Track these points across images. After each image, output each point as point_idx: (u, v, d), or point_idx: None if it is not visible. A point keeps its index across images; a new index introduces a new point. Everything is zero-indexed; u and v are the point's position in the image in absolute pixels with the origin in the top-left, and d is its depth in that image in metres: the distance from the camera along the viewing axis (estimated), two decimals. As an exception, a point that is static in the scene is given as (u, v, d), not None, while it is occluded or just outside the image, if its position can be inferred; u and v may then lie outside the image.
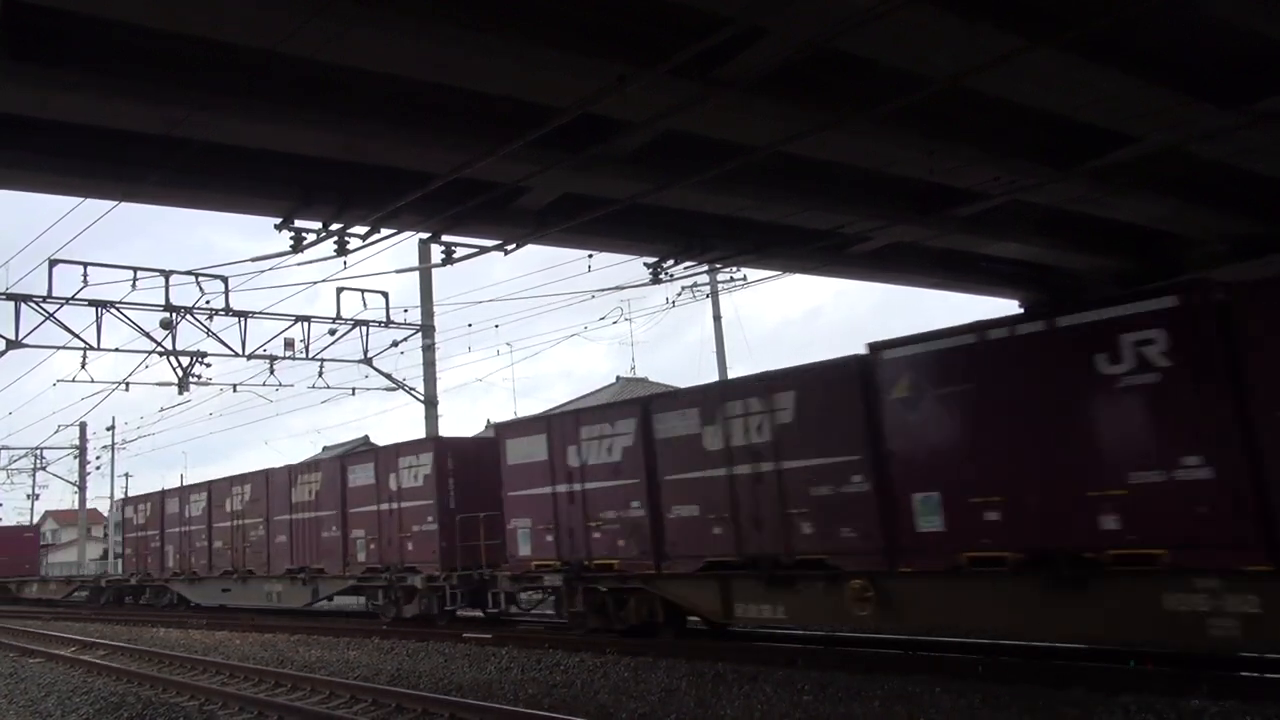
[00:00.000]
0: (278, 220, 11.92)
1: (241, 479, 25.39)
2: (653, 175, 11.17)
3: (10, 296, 19.58)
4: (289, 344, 23.64)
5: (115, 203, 12.32)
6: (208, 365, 22.90)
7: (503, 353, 65.99)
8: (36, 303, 19.58)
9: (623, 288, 17.24)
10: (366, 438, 67.35)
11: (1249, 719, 7.89)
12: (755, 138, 10.29)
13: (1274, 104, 10.17)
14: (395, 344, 25.22)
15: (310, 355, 23.98)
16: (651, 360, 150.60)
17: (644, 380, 58.66)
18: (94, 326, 20.37)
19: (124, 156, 10.29)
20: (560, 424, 15.57)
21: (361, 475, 20.65)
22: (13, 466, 51.59)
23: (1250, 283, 9.36)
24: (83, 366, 22.31)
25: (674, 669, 11.88)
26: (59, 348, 21.13)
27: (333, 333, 23.80)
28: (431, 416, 26.92)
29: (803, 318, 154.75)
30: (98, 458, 51.77)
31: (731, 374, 26.85)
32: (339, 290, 23.26)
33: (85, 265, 19.42)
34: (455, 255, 13.11)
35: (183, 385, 23.09)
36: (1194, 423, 8.97)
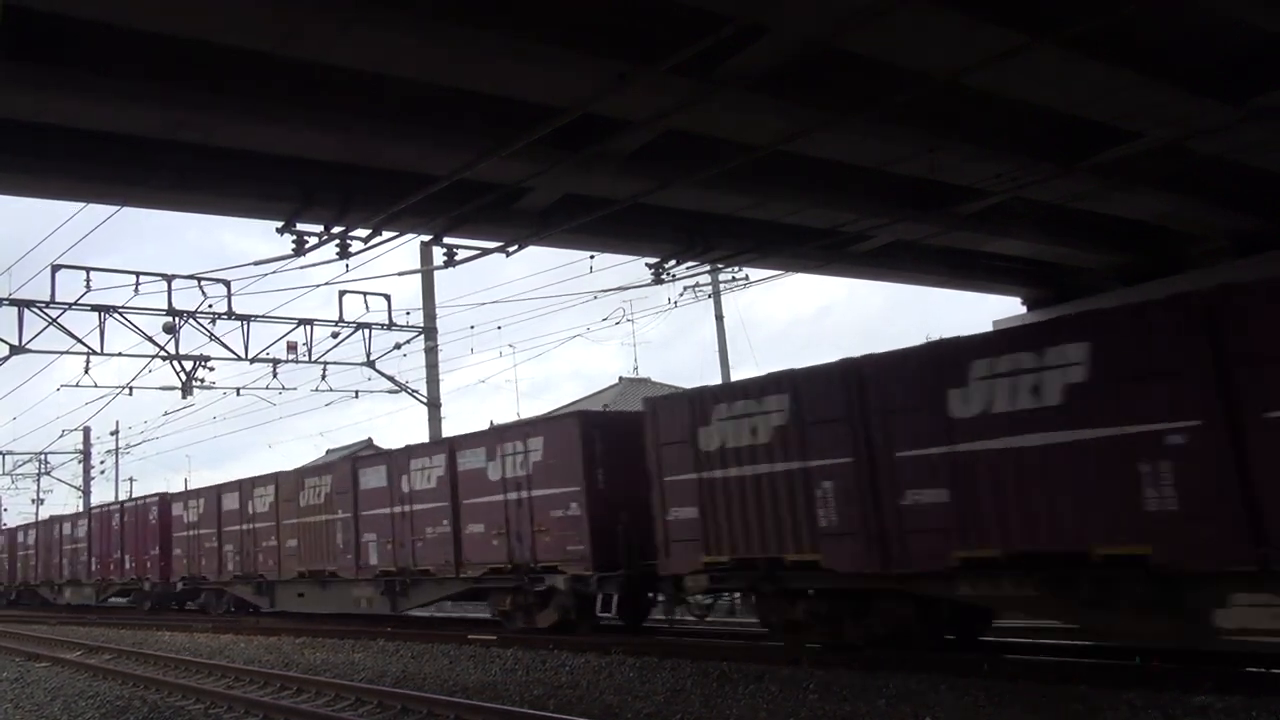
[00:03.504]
0: (280, 223, 11.92)
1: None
2: (654, 174, 11.15)
3: (14, 302, 19.60)
4: (292, 347, 23.64)
5: (117, 207, 12.34)
6: (211, 369, 22.93)
7: (506, 354, 65.91)
8: (40, 308, 19.60)
9: (625, 288, 17.29)
10: (370, 440, 67.23)
11: (1255, 714, 7.86)
12: (756, 136, 10.27)
13: (1274, 99, 10.15)
14: (398, 346, 25.21)
15: (313, 358, 23.99)
16: (662, 360, 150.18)
17: (647, 380, 58.52)
18: (97, 331, 20.42)
19: (123, 160, 10.25)
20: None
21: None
22: (17, 471, 51.62)
23: None
24: (86, 371, 22.43)
25: (679, 669, 11.87)
26: (62, 353, 21.18)
27: (335, 336, 23.79)
28: (434, 418, 26.91)
29: (815, 316, 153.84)
30: (102, 462, 51.87)
31: (734, 374, 26.79)
32: (341, 293, 23.23)
33: (88, 270, 19.44)
34: (457, 257, 13.10)
35: (186, 389, 23.10)
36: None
